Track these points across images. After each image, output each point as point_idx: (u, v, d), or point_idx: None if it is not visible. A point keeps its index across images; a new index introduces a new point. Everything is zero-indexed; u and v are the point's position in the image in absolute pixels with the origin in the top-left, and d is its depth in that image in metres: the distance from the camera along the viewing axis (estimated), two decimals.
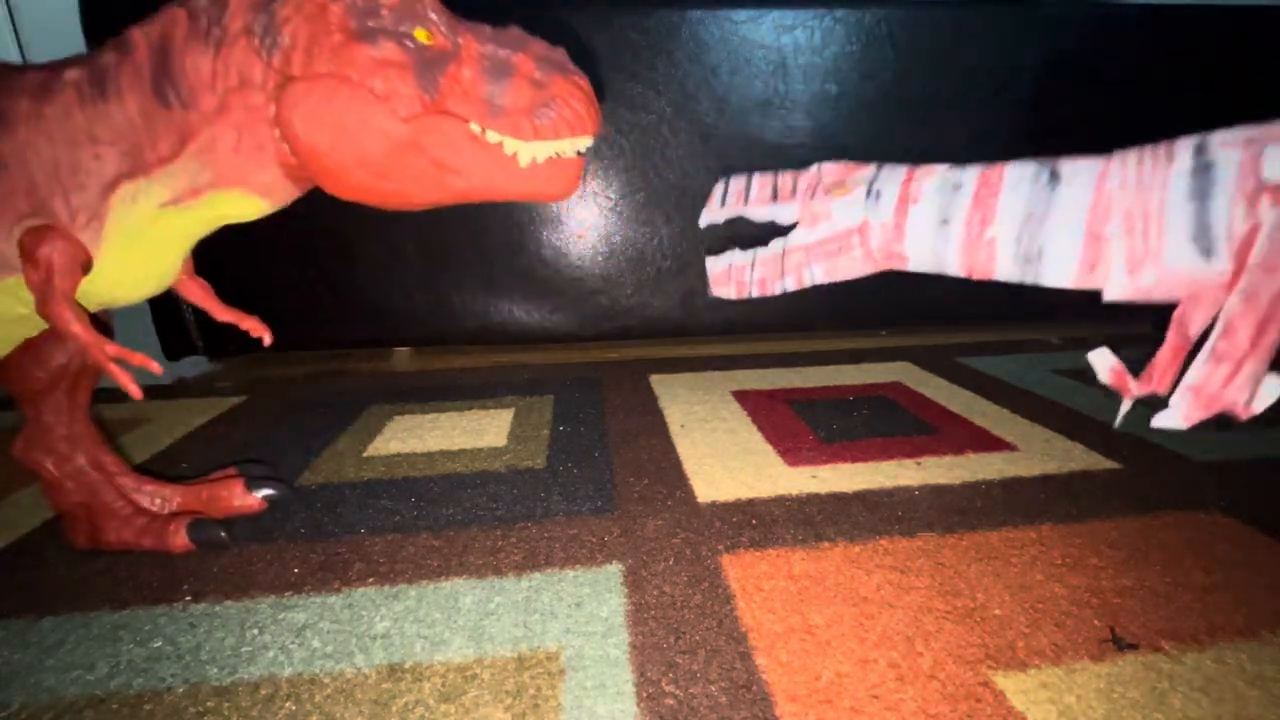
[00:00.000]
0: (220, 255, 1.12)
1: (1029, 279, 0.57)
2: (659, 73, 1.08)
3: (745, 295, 0.72)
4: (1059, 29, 1.14)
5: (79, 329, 0.43)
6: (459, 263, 1.14)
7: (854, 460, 0.69)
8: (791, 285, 0.69)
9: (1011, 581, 0.48)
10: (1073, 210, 0.54)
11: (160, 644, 0.44)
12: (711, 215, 0.75)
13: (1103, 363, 0.58)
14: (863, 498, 0.61)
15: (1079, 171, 0.55)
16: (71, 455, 0.56)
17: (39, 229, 0.42)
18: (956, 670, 0.40)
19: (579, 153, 0.45)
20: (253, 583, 0.50)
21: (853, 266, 0.65)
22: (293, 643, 0.44)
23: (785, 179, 0.72)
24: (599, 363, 1.12)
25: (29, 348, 0.52)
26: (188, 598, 0.49)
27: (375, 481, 0.67)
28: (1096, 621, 0.44)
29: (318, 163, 0.43)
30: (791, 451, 0.72)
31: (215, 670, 0.41)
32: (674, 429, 0.79)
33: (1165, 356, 0.56)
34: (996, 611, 0.45)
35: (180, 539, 0.55)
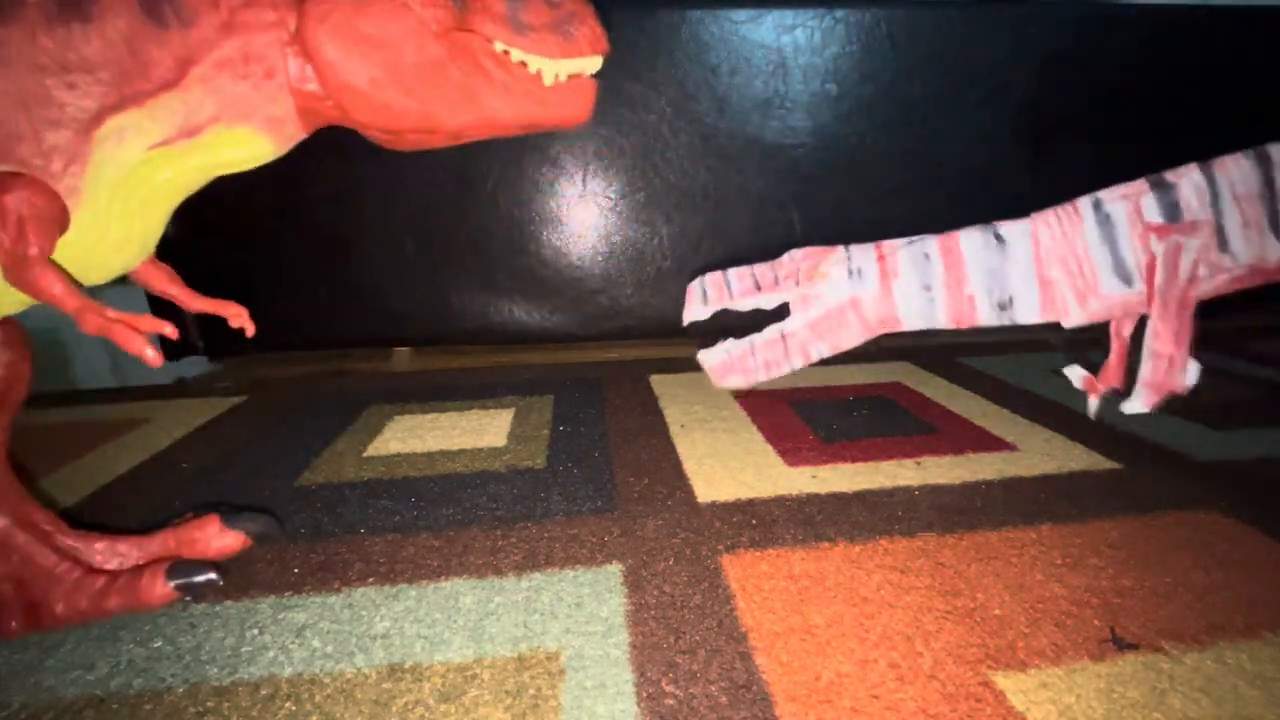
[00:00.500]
0: (219, 255, 1.12)
1: (1007, 321, 0.69)
2: (659, 73, 1.08)
3: (754, 382, 0.79)
4: (1059, 29, 1.14)
5: (64, 293, 0.36)
6: (459, 263, 1.13)
7: (854, 460, 0.69)
8: (799, 363, 0.77)
9: (1011, 581, 0.48)
10: (1023, 263, 0.67)
11: (160, 644, 0.44)
12: (695, 313, 0.81)
13: (1075, 375, 0.75)
14: (863, 498, 0.61)
15: (1016, 231, 0.68)
16: None
17: (5, 176, 0.36)
18: (956, 670, 0.40)
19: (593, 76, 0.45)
20: (253, 583, 0.50)
21: (852, 336, 0.75)
22: (293, 643, 0.44)
23: (764, 270, 0.79)
24: (599, 363, 1.12)
25: None
26: (188, 598, 0.49)
27: (375, 481, 0.67)
28: (1096, 621, 0.44)
29: (347, 81, 0.39)
30: (791, 451, 0.72)
31: (215, 670, 0.41)
32: (674, 429, 0.79)
33: (1113, 359, 0.72)
34: (996, 611, 0.45)
35: (160, 588, 0.46)
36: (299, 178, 1.04)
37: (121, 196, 0.40)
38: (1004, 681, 0.39)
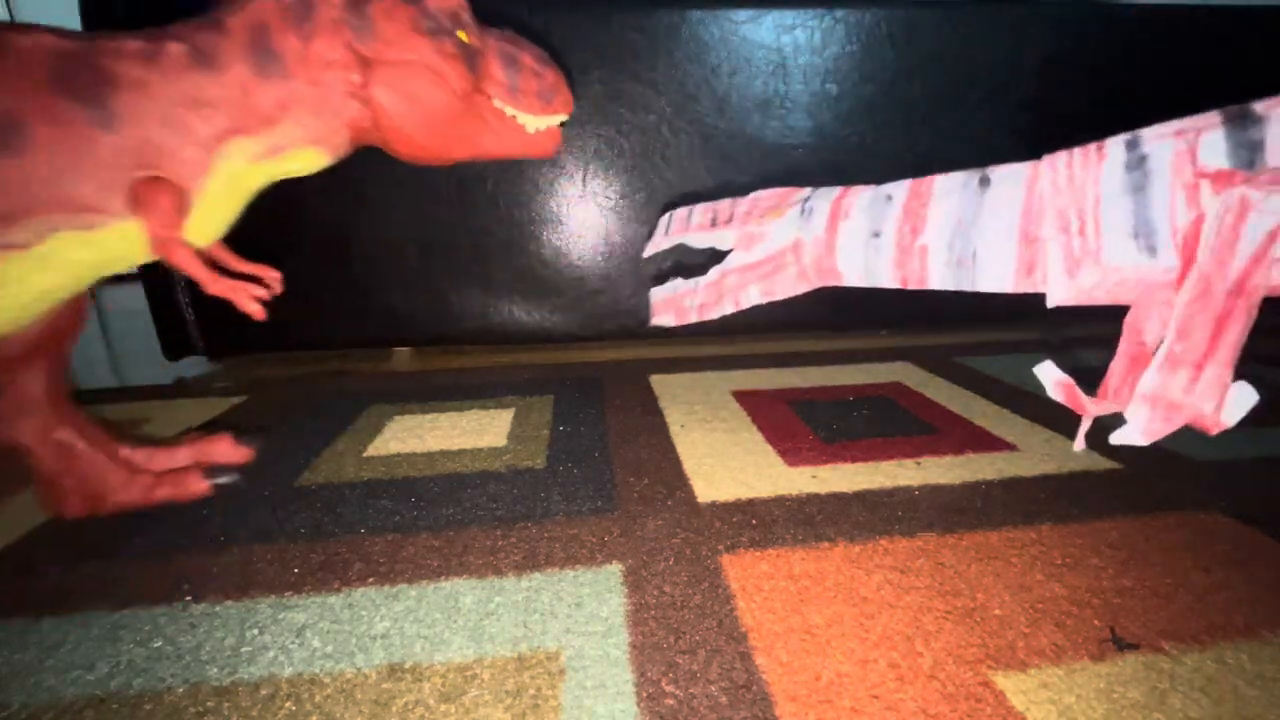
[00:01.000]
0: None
1: (964, 285, 0.54)
2: (659, 73, 1.08)
3: (685, 322, 0.72)
4: (1059, 29, 1.14)
5: (197, 266, 0.50)
6: (459, 263, 1.14)
7: (854, 460, 0.69)
8: (730, 308, 0.69)
9: (1011, 581, 0.48)
10: (1004, 212, 0.52)
11: (160, 644, 0.44)
12: (655, 245, 0.75)
13: (1048, 376, 0.54)
14: (863, 498, 0.61)
15: (1009, 174, 0.53)
16: (55, 425, 0.57)
17: (152, 179, 0.48)
18: (956, 670, 0.40)
19: (561, 124, 0.62)
20: (253, 583, 0.50)
21: (788, 285, 0.65)
22: (293, 643, 0.44)
23: (724, 206, 0.72)
24: (599, 363, 1.12)
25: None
26: (188, 598, 0.49)
27: (375, 481, 0.67)
28: (1096, 621, 0.44)
29: (395, 124, 0.55)
30: (791, 451, 0.72)
31: (215, 670, 0.41)
32: (674, 429, 0.79)
33: (1120, 367, 0.52)
34: (996, 611, 0.45)
35: (200, 483, 0.62)
36: (299, 177, 1.04)
37: (224, 194, 0.53)
38: (1004, 681, 0.39)
